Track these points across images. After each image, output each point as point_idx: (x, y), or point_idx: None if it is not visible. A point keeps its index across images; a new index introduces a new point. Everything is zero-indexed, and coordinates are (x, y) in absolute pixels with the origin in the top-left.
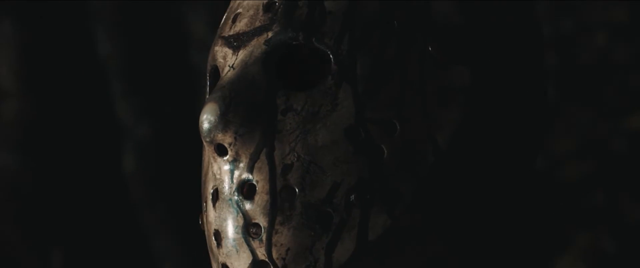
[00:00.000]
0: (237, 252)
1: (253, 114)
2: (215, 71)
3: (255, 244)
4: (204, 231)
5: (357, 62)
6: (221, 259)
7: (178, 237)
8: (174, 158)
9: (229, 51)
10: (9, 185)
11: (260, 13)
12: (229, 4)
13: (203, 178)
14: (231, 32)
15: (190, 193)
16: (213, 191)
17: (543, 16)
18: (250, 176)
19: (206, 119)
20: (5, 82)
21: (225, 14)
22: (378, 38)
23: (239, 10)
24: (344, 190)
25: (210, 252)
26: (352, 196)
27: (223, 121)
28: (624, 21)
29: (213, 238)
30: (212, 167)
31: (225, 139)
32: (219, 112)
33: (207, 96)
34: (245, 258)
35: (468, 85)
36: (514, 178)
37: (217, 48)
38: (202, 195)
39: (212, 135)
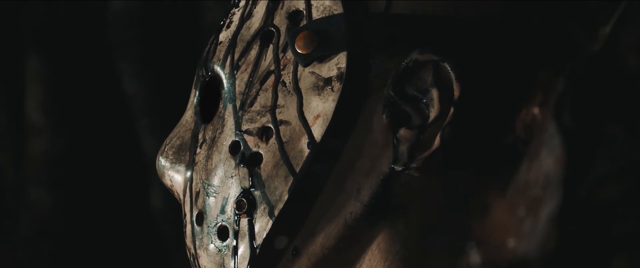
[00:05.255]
0: None
1: (179, 155)
2: None
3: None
4: None
5: (236, 81)
6: None
7: None
8: None
9: (193, 91)
10: (39, 220)
11: (214, 49)
12: None
13: None
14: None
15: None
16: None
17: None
18: (184, 210)
19: (156, 167)
20: (35, 118)
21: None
22: (255, 53)
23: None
24: (231, 203)
25: None
26: (234, 206)
27: (160, 166)
28: None
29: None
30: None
31: (167, 182)
32: (157, 160)
33: None
34: None
35: (344, 71)
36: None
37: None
38: None
39: (162, 180)
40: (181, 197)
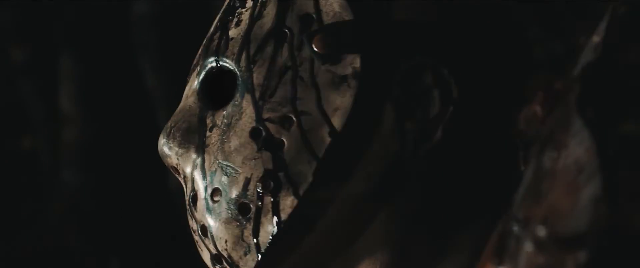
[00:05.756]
0: (201, 249)
1: (187, 137)
2: None
3: (207, 241)
4: None
5: (253, 74)
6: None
7: None
8: None
9: (187, 83)
10: (71, 200)
11: (199, 52)
12: None
13: None
14: (193, 66)
15: None
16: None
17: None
18: (193, 187)
19: (159, 148)
20: (67, 109)
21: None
22: (270, 50)
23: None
24: (254, 183)
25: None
26: (259, 186)
27: (167, 148)
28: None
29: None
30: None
31: (172, 162)
32: (162, 141)
33: None
34: (206, 254)
35: (359, 71)
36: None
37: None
38: None
39: (164, 160)
40: (188, 175)
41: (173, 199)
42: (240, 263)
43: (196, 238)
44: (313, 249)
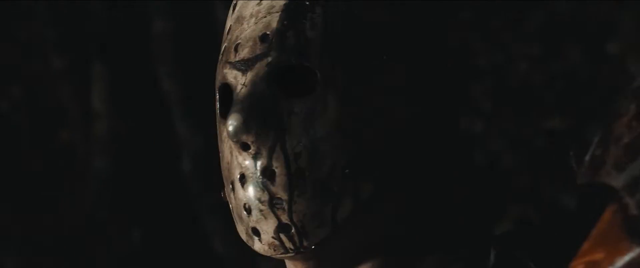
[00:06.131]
0: (265, 218)
1: (267, 120)
2: (225, 87)
3: (279, 213)
4: (227, 202)
5: (337, 74)
6: (251, 224)
7: (222, 217)
8: (219, 163)
9: (239, 73)
10: (102, 182)
11: (258, 44)
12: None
13: (226, 166)
14: (237, 59)
15: None
16: (239, 176)
17: (480, 50)
18: (271, 164)
19: (232, 125)
20: (98, 107)
21: (225, 43)
22: (348, 52)
23: (238, 41)
24: (339, 167)
25: (238, 220)
26: (344, 170)
27: (246, 126)
28: (540, 54)
29: (243, 210)
30: (236, 159)
31: (248, 139)
32: (241, 119)
33: (218, 105)
34: (272, 223)
35: (404, 83)
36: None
37: (226, 70)
38: (226, 178)
39: (237, 136)
40: (264, 153)
41: (185, 180)
42: (312, 234)
43: (262, 207)
44: (377, 232)
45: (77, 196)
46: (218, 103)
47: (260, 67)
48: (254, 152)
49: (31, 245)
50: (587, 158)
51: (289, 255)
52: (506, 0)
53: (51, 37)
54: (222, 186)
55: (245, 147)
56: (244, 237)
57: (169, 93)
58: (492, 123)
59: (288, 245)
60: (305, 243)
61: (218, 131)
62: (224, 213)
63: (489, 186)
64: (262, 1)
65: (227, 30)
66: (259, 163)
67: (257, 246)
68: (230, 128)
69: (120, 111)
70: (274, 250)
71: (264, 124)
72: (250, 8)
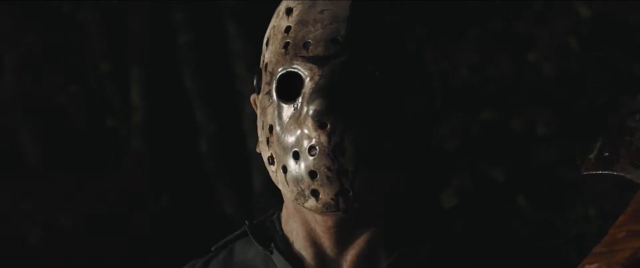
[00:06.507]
0: (330, 183)
1: (343, 105)
2: (292, 75)
3: (343, 180)
4: (260, 154)
5: (386, 73)
6: (313, 187)
7: (232, 187)
8: (230, 144)
9: (314, 66)
10: (138, 158)
11: (331, 45)
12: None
13: (288, 137)
14: (310, 54)
15: (239, 164)
16: (309, 148)
17: (432, 58)
18: (342, 141)
19: (318, 107)
20: (136, 101)
21: (289, 40)
22: (390, 54)
23: (307, 40)
24: (390, 146)
25: (294, 182)
26: (392, 148)
27: (329, 109)
28: (477, 61)
29: (306, 174)
30: (307, 133)
31: (329, 120)
32: (326, 103)
33: (275, 86)
34: (335, 187)
35: (420, 83)
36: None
37: (297, 62)
38: (286, 146)
39: (320, 116)
40: (338, 132)
41: (202, 159)
42: (364, 198)
43: (330, 174)
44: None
45: (118, 170)
46: (275, 85)
47: (335, 63)
48: (330, 130)
49: (85, 206)
50: (591, 156)
51: (337, 212)
52: (451, 18)
53: (100, 47)
54: (256, 140)
55: (322, 126)
56: (293, 195)
57: (190, 90)
58: (439, 114)
59: (342, 205)
60: (356, 205)
61: (264, 107)
62: (233, 185)
63: (436, 164)
64: (324, 11)
65: (282, 30)
66: (333, 139)
67: (310, 203)
68: (316, 109)
69: (153, 104)
70: (327, 209)
71: (342, 109)
72: (313, 15)
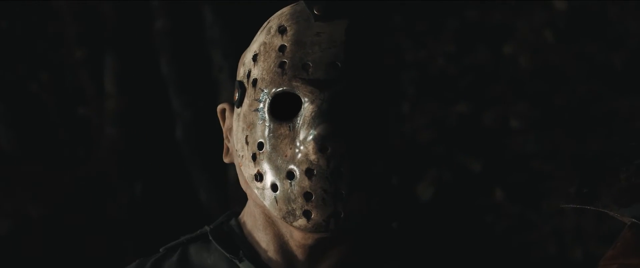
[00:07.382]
0: (325, 205)
1: (344, 130)
2: (289, 95)
3: (338, 203)
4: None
5: (379, 98)
6: (306, 207)
7: (206, 172)
8: (205, 131)
9: (315, 90)
10: (111, 144)
11: (331, 69)
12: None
13: (281, 157)
14: (311, 77)
15: (212, 151)
16: (306, 169)
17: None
18: (340, 165)
19: (323, 131)
20: (109, 89)
21: (285, 60)
22: (378, 79)
23: (307, 62)
24: (379, 169)
25: (286, 201)
26: (383, 171)
27: (333, 134)
28: (453, 50)
29: (301, 195)
30: (306, 154)
31: (330, 144)
32: (330, 128)
33: (268, 105)
34: (328, 210)
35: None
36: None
37: (297, 84)
38: (280, 166)
39: (322, 140)
40: (338, 157)
41: (179, 148)
42: (354, 219)
43: (325, 197)
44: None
45: (92, 157)
46: (268, 103)
47: (337, 88)
48: (330, 154)
49: (55, 196)
50: (571, 190)
51: (325, 233)
52: (428, 9)
53: (73, 33)
54: (227, 151)
55: (323, 149)
56: (281, 213)
57: (165, 76)
58: (415, 105)
59: (332, 227)
60: (345, 226)
61: (251, 123)
62: (207, 170)
63: (413, 154)
64: (321, 34)
65: (276, 48)
66: (332, 163)
67: (300, 222)
68: (321, 134)
69: (125, 92)
70: (316, 229)
71: (343, 134)
72: (310, 36)
